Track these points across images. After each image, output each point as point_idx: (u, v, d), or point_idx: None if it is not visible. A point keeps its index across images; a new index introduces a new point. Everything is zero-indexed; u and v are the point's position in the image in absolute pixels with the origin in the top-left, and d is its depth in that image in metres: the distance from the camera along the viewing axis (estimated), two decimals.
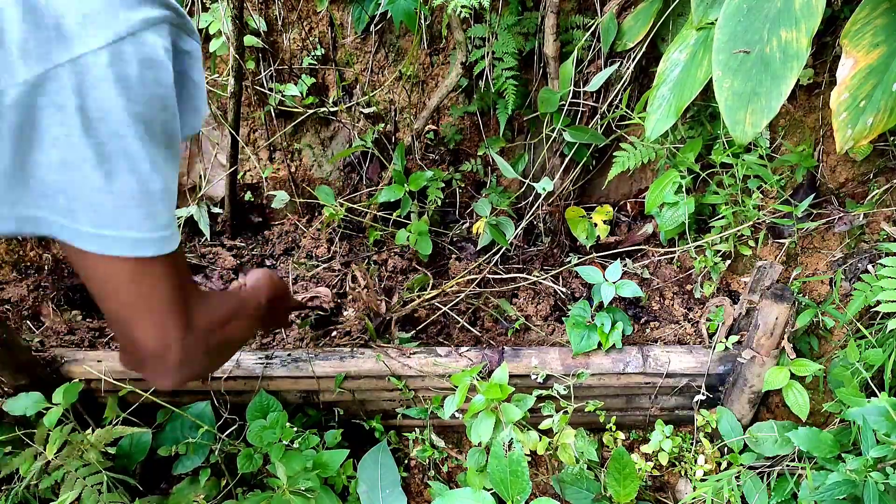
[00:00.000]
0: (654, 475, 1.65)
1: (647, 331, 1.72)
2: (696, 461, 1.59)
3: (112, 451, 1.39)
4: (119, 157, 0.58)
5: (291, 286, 1.81)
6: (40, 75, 0.53)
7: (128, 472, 1.44)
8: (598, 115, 1.78)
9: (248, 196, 2.05)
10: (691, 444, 1.64)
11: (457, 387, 1.39)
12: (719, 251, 1.70)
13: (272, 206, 1.94)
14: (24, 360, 1.44)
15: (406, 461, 1.69)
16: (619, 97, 1.73)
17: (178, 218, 1.93)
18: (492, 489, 1.30)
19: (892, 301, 1.25)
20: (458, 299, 1.76)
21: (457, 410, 1.41)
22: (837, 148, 1.20)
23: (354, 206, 1.90)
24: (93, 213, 0.59)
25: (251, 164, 2.02)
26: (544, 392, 1.55)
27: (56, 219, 0.59)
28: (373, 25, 1.80)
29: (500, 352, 1.58)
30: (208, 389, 1.57)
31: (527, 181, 1.82)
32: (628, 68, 1.71)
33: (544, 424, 1.48)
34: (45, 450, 1.31)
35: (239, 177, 2.02)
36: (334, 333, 1.67)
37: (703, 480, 1.53)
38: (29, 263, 1.83)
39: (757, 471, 1.44)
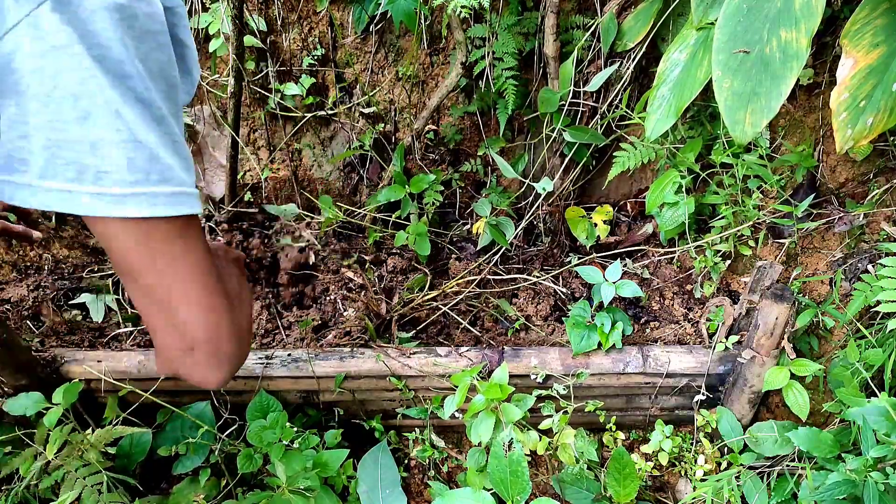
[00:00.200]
0: (654, 475, 1.65)
1: (647, 331, 1.72)
2: (696, 461, 1.59)
3: (112, 451, 1.39)
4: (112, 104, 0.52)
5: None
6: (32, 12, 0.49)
7: (128, 472, 1.44)
8: (598, 115, 1.78)
9: (248, 196, 2.05)
10: (691, 444, 1.64)
11: (457, 387, 1.39)
12: (719, 251, 1.70)
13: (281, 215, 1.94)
14: (24, 360, 1.44)
15: (406, 461, 1.69)
16: (619, 97, 1.73)
17: None
18: (492, 489, 1.30)
19: (892, 301, 1.25)
20: (458, 299, 1.76)
21: (457, 410, 1.41)
22: (837, 148, 1.20)
23: (354, 209, 1.90)
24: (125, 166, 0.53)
25: (251, 164, 2.02)
26: (544, 392, 1.55)
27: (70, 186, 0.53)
28: (373, 25, 1.81)
29: (500, 352, 1.58)
30: (208, 390, 1.57)
31: (527, 181, 1.82)
32: (628, 68, 1.71)
33: (544, 424, 1.48)
34: (45, 450, 1.31)
35: (239, 177, 2.02)
36: (334, 333, 1.67)
37: (703, 480, 1.53)
38: (29, 263, 1.83)
39: (757, 471, 1.44)
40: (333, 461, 1.46)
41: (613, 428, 1.64)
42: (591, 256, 1.83)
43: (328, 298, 1.76)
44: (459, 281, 1.78)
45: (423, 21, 1.71)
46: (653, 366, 1.56)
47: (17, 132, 0.52)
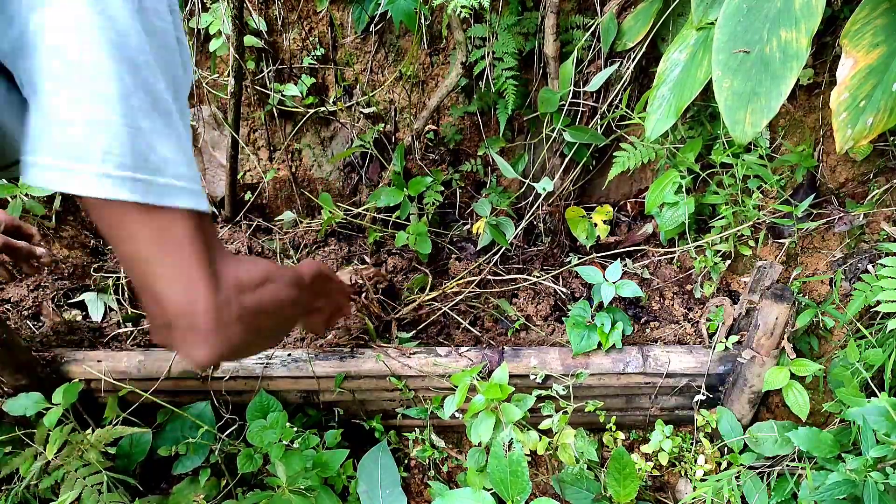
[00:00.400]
0: (654, 475, 1.65)
1: (647, 331, 1.72)
2: (696, 461, 1.59)
3: (112, 451, 1.39)
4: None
5: None
6: None
7: (128, 472, 1.44)
8: (598, 115, 1.78)
9: (248, 196, 2.05)
10: (691, 444, 1.64)
11: (457, 387, 1.39)
12: (719, 251, 1.70)
13: (280, 220, 1.95)
14: (24, 360, 1.45)
15: (406, 461, 1.69)
16: (619, 97, 1.73)
17: None
18: (492, 489, 1.30)
19: (892, 301, 1.25)
20: (458, 299, 1.76)
21: (457, 410, 1.41)
22: (837, 148, 1.20)
23: (354, 209, 1.90)
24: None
25: (251, 164, 2.02)
26: (544, 392, 1.55)
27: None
28: (373, 25, 1.81)
29: (500, 352, 1.58)
30: (208, 389, 1.57)
31: (527, 181, 1.82)
32: (628, 68, 1.71)
33: (544, 424, 1.48)
34: (45, 450, 1.31)
35: (239, 177, 2.02)
36: (334, 333, 1.67)
37: (703, 480, 1.53)
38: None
39: (757, 471, 1.44)
40: (333, 461, 1.46)
41: (613, 428, 1.64)
42: (591, 256, 1.83)
43: None
44: (459, 281, 1.78)
45: (423, 21, 1.71)
46: (653, 366, 1.56)
47: (32, 110, 0.54)
